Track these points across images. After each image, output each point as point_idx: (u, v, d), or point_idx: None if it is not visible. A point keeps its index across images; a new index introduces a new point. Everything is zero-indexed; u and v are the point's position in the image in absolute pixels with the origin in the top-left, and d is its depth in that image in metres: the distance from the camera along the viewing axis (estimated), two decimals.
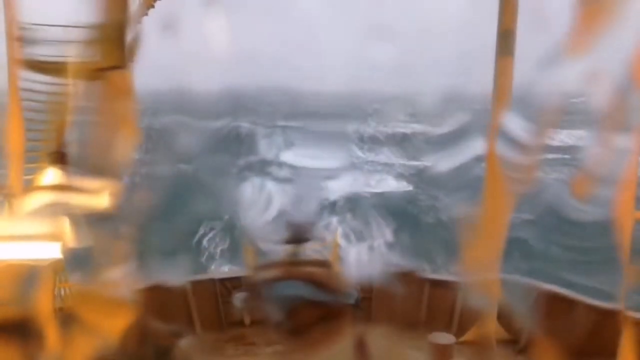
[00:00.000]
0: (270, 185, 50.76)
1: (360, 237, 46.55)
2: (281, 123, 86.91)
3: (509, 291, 13.54)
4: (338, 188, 54.19)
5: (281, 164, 63.05)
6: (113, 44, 12.00)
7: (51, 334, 10.77)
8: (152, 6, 13.01)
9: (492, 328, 13.83)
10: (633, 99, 9.71)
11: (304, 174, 55.71)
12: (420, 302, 14.99)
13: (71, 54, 11.98)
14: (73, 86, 12.09)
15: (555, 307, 13.58)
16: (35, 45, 11.76)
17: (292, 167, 61.09)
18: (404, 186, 57.08)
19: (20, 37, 11.62)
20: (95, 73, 11.89)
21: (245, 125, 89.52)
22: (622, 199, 10.20)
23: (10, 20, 11.47)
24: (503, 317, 13.71)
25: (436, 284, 15.22)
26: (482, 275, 12.60)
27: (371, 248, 43.42)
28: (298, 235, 14.78)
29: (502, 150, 11.88)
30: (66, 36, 12.04)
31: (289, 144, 76.13)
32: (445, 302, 14.76)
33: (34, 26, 11.74)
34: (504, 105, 13.32)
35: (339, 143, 75.88)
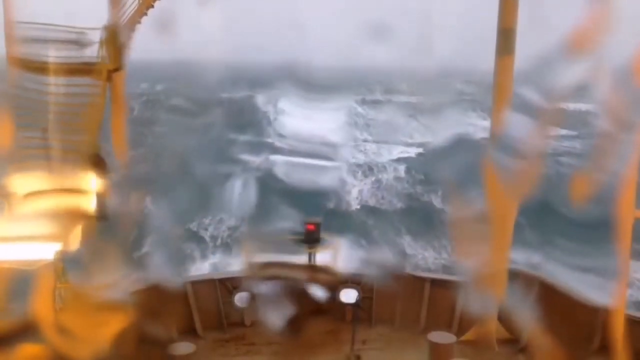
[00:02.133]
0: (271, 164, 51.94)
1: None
2: (283, 89, 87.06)
3: (511, 282, 13.55)
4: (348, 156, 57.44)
5: (283, 135, 64.00)
6: (117, 46, 12.12)
7: (51, 333, 10.76)
8: (152, 6, 13.03)
9: (492, 327, 13.84)
10: (634, 97, 9.73)
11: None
12: (420, 302, 14.98)
13: (77, 55, 12.06)
14: (76, 87, 12.16)
15: (555, 302, 13.58)
16: (35, 45, 11.76)
17: (295, 134, 61.83)
18: (415, 150, 58.73)
19: (20, 37, 11.62)
20: (104, 74, 11.99)
21: (246, 93, 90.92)
22: (622, 198, 10.21)
23: (9, 21, 11.46)
24: (504, 317, 13.70)
25: (437, 283, 15.21)
26: (488, 271, 12.64)
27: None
28: (310, 236, 14.83)
29: (506, 146, 11.96)
30: (73, 38, 12.10)
31: (290, 104, 76.64)
32: (446, 301, 14.75)
33: (35, 26, 11.75)
34: (505, 103, 13.30)
35: (340, 104, 77.52)
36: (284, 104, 77.25)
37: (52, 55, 11.74)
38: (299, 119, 67.41)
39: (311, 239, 15.05)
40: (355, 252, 36.93)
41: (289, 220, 39.11)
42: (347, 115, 76.03)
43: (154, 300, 13.20)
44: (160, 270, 17.53)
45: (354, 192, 50.91)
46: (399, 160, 57.13)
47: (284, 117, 71.55)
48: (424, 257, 37.50)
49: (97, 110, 12.17)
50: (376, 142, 64.86)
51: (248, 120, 72.46)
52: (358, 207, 48.42)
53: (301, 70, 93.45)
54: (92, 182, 11.77)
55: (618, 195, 10.23)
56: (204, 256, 36.52)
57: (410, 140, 63.63)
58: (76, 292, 12.01)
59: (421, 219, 40.16)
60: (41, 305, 11.11)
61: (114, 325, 11.12)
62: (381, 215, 45.72)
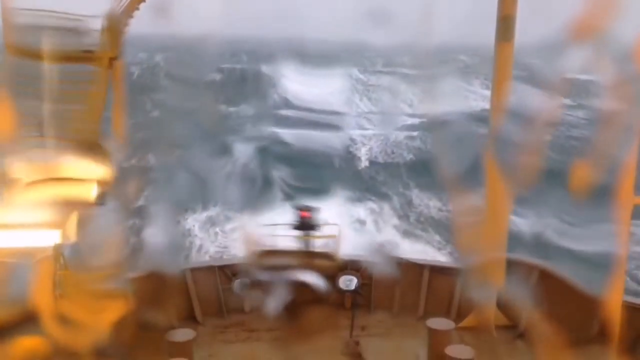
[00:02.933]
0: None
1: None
2: (285, 60, 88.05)
3: (509, 270, 13.61)
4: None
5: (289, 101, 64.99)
6: (116, 34, 12.06)
7: (50, 323, 10.79)
8: (144, 0, 12.89)
9: (491, 313, 13.91)
10: (636, 83, 9.72)
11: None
12: (419, 288, 15.03)
13: (77, 43, 12.00)
14: (76, 74, 12.11)
15: (554, 289, 13.64)
16: (34, 32, 11.69)
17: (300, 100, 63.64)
18: (418, 120, 59.80)
19: (17, 25, 11.55)
20: (105, 62, 11.93)
21: (248, 64, 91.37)
22: (622, 185, 10.22)
23: (6, 8, 11.38)
24: (502, 303, 13.77)
25: (435, 270, 15.25)
26: (486, 258, 12.69)
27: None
28: (305, 223, 14.81)
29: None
30: (72, 25, 12.03)
31: (293, 71, 78.53)
32: (445, 288, 14.81)
33: (34, 14, 11.68)
34: (505, 90, 13.27)
35: (342, 71, 79.94)
36: (287, 71, 78.57)
37: (52, 42, 11.67)
38: (302, 84, 68.89)
39: (306, 226, 14.98)
40: (363, 206, 39.61)
41: (298, 182, 41.34)
42: (349, 82, 78.48)
43: (154, 287, 13.24)
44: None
45: (363, 150, 52.92)
46: (402, 127, 58.62)
47: (288, 83, 72.76)
48: (427, 206, 39.41)
49: (98, 97, 12.14)
50: (379, 113, 66.71)
51: (252, 87, 73.82)
52: (367, 164, 50.11)
53: (302, 45, 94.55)
54: (92, 170, 11.77)
55: (618, 182, 10.25)
56: (205, 208, 37.37)
57: (410, 111, 65.22)
58: (76, 280, 12.03)
59: (430, 171, 41.76)
60: (41, 293, 11.13)
61: (113, 312, 11.16)
62: (390, 169, 47.75)
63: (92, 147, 11.74)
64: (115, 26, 12.26)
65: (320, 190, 39.17)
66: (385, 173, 46.76)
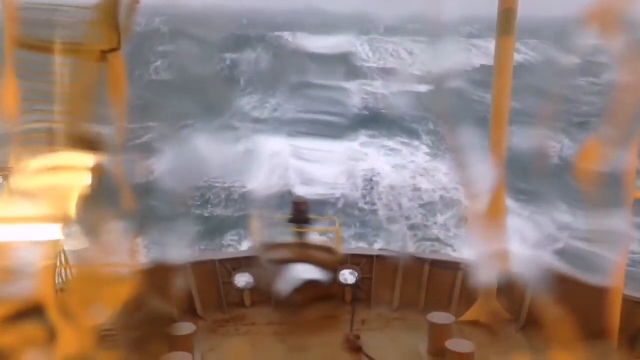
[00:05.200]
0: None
1: None
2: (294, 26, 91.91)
3: (513, 264, 13.62)
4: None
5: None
6: (112, 26, 11.93)
7: (53, 313, 10.78)
8: None
9: (492, 307, 13.93)
10: None
11: None
12: (420, 283, 15.05)
13: (72, 36, 11.88)
14: (74, 67, 11.99)
15: (568, 290, 13.61)
16: (34, 25, 11.61)
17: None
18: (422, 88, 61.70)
19: (18, 17, 11.47)
20: (97, 55, 11.82)
21: (253, 29, 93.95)
22: (625, 178, 10.22)
23: (8, 1, 11.31)
24: (503, 296, 13.79)
25: (436, 264, 15.27)
26: (489, 249, 12.70)
27: None
28: (299, 215, 14.75)
29: None
30: (66, 17, 11.90)
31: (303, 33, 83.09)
32: (445, 282, 14.82)
33: (33, 6, 11.58)
34: (506, 84, 13.24)
35: (350, 34, 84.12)
36: (296, 34, 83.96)
37: (50, 35, 11.58)
38: (308, 41, 72.14)
39: (300, 219, 14.84)
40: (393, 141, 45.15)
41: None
42: (357, 40, 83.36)
43: (154, 280, 13.22)
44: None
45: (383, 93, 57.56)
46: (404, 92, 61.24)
47: (294, 39, 77.01)
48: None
49: (82, 90, 11.94)
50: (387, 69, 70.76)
51: (257, 41, 76.30)
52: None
53: (306, 15, 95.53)
54: (87, 160, 11.68)
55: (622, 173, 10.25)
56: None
57: (414, 73, 68.92)
58: (78, 271, 12.03)
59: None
60: (43, 286, 11.11)
61: (116, 302, 11.14)
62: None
63: (84, 139, 11.61)
64: (110, 18, 12.05)
65: (335, 133, 43.68)
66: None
